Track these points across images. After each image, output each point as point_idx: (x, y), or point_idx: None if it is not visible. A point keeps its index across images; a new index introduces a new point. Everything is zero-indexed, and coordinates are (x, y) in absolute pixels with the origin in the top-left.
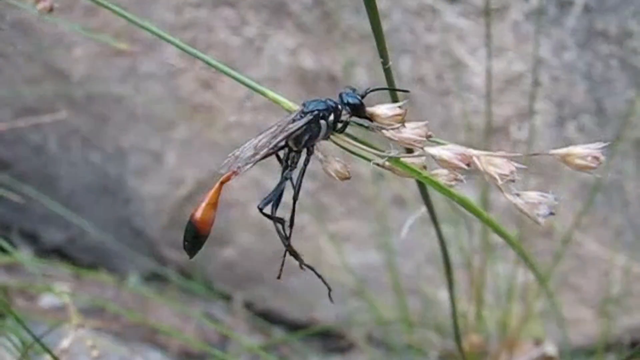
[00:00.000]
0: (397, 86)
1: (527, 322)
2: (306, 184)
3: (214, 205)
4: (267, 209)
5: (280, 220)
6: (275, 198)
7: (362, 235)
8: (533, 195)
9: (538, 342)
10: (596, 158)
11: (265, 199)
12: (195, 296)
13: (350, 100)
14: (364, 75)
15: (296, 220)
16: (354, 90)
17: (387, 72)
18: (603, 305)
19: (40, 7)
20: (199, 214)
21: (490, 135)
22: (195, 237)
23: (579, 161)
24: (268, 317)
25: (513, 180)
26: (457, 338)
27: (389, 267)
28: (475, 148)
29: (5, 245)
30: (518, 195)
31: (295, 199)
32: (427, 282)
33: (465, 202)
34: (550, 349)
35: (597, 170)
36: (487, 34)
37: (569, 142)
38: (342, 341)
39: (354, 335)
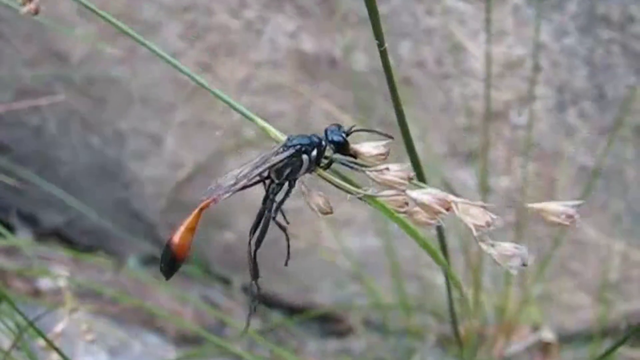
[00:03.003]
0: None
1: (525, 307)
2: None
3: (192, 230)
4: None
5: (256, 273)
6: (261, 233)
7: (360, 220)
8: (507, 247)
9: (536, 328)
10: (570, 216)
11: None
12: (193, 280)
13: (335, 138)
14: (363, 59)
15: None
16: (339, 127)
17: (383, 54)
18: (601, 291)
19: (26, 10)
20: (177, 238)
21: (490, 120)
22: (172, 260)
23: (552, 218)
24: (266, 301)
25: (488, 232)
26: (454, 323)
27: (387, 251)
28: (475, 133)
29: (2, 229)
30: (492, 245)
31: (273, 217)
32: (426, 266)
33: (427, 246)
34: (548, 334)
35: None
36: (488, 18)
37: (569, 128)
38: (340, 325)
39: (352, 320)
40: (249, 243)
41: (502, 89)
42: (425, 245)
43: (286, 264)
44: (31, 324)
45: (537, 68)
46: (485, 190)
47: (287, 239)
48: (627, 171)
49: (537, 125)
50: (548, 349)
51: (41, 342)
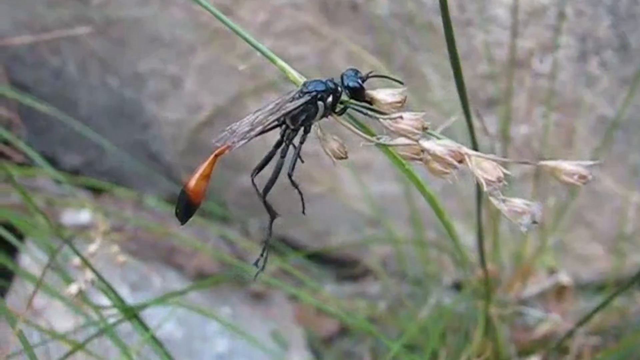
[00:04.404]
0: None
1: (541, 255)
2: None
3: (207, 177)
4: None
5: (274, 215)
6: (271, 178)
7: (380, 166)
8: (518, 203)
9: (552, 272)
10: (583, 177)
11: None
12: (211, 223)
13: (351, 84)
14: (385, 2)
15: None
16: (356, 72)
17: None
18: (615, 242)
19: None
20: (192, 184)
21: (513, 67)
22: (188, 206)
23: (565, 177)
24: (283, 244)
25: (498, 188)
26: (483, 259)
27: (406, 196)
28: (497, 80)
29: (42, 160)
30: (504, 201)
31: (290, 175)
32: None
33: (432, 200)
34: (565, 278)
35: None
36: None
37: (590, 78)
38: (355, 269)
39: (368, 263)
40: (252, 181)
41: (525, 37)
42: (430, 200)
43: (303, 212)
44: (67, 241)
45: (561, 16)
46: (506, 138)
47: (301, 194)
48: None
49: (558, 75)
50: (563, 293)
51: (73, 263)
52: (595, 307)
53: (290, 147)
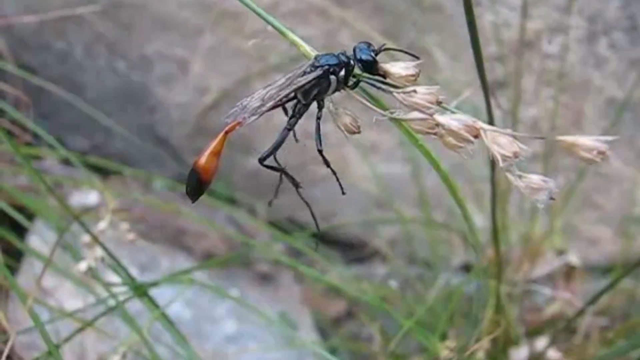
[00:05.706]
0: None
1: (550, 236)
2: None
3: (217, 154)
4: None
5: (284, 171)
6: (275, 145)
7: (387, 146)
8: (535, 180)
9: (560, 254)
10: (602, 153)
11: (266, 151)
12: (219, 204)
13: (363, 57)
14: None
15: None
16: (369, 45)
17: None
18: (623, 225)
19: None
20: (202, 161)
21: (522, 48)
22: (198, 183)
23: (583, 153)
24: (291, 225)
25: (515, 163)
26: (497, 238)
27: (414, 178)
28: (505, 62)
29: (54, 141)
30: (520, 177)
31: (320, 150)
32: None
33: (446, 178)
34: (574, 259)
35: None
36: None
37: (598, 59)
38: (363, 251)
39: (376, 244)
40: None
41: (534, 18)
42: (444, 178)
43: (343, 193)
44: (76, 218)
45: None
46: (515, 119)
47: (334, 172)
48: None
49: (567, 56)
50: (571, 274)
51: (84, 239)
52: (603, 288)
53: (314, 123)
